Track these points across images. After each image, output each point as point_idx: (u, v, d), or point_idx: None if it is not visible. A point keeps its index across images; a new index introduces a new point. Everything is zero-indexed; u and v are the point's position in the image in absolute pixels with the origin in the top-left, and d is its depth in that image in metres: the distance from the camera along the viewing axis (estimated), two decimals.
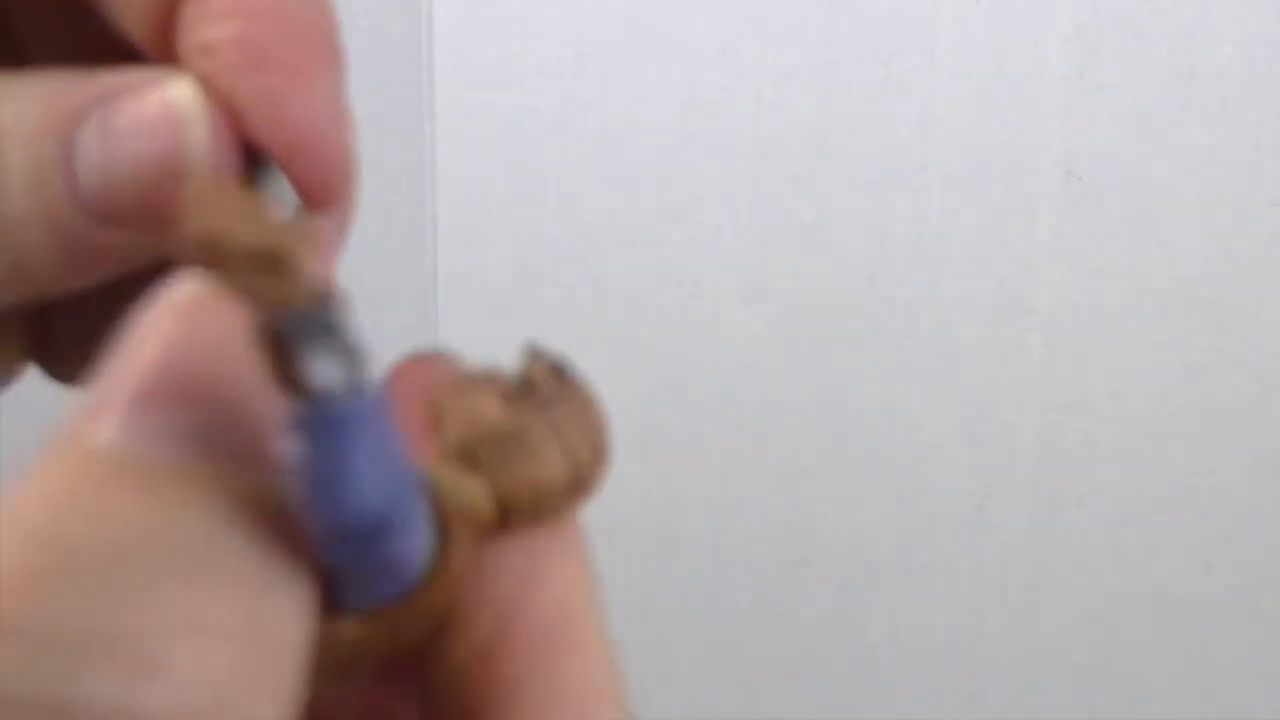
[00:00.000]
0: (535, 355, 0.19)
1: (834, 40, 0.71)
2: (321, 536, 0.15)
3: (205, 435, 0.16)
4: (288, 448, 0.15)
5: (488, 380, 0.19)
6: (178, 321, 0.16)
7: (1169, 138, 0.68)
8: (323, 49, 0.23)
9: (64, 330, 0.25)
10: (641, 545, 0.80)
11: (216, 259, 0.14)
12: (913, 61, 0.70)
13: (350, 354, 0.14)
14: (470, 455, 0.18)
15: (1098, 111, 0.69)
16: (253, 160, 0.22)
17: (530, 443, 0.18)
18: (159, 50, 0.23)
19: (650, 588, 0.81)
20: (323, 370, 0.14)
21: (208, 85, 0.22)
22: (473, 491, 0.18)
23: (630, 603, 0.81)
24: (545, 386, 0.19)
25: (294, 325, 0.14)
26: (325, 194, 0.22)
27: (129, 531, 0.15)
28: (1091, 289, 0.71)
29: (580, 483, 0.18)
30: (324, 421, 0.14)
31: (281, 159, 0.22)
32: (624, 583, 0.81)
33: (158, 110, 0.21)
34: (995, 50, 0.69)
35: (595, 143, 0.75)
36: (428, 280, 0.79)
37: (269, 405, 0.16)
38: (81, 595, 0.14)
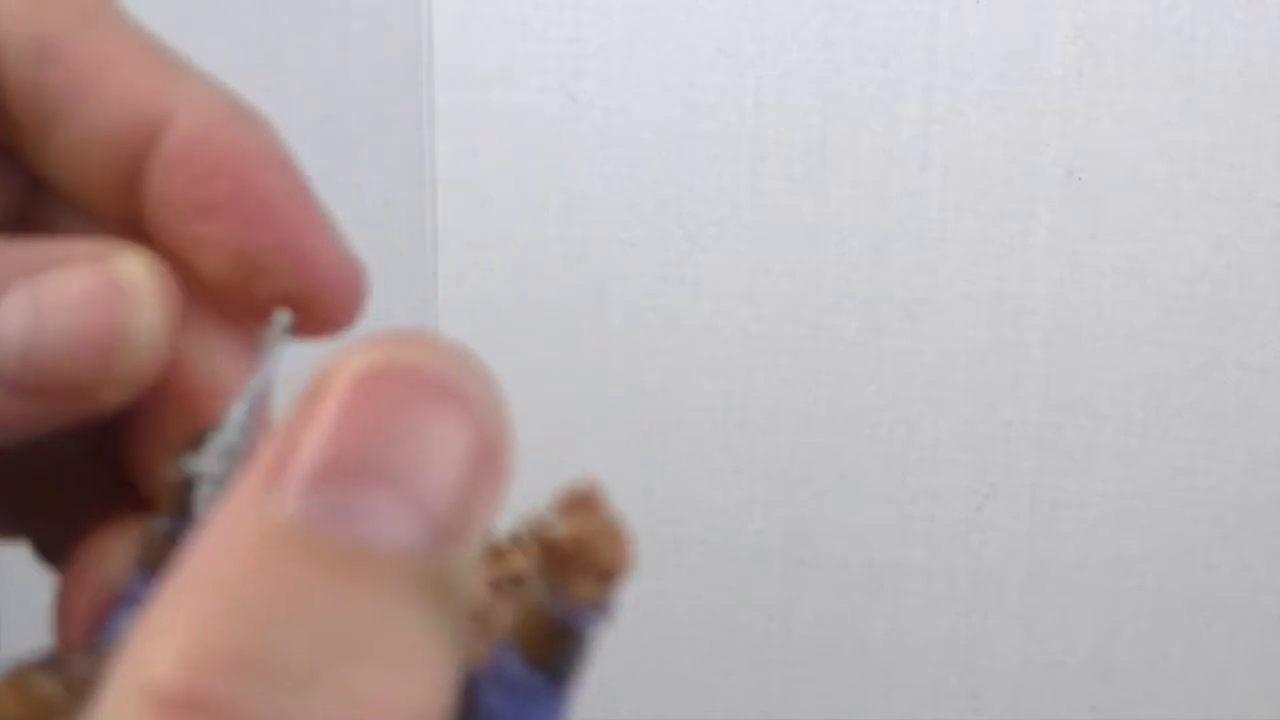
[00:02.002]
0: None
1: (834, 40, 0.71)
2: None
3: (382, 513, 0.15)
4: (498, 703, 0.16)
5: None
6: (358, 392, 0.16)
7: (1169, 138, 0.68)
8: (300, 179, 0.22)
9: None
10: (641, 545, 0.80)
11: (579, 556, 0.16)
12: (913, 61, 0.70)
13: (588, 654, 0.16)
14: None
15: (1098, 111, 0.69)
16: (228, 322, 0.22)
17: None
18: (118, 214, 0.22)
19: (650, 588, 0.81)
20: (589, 655, 0.16)
21: (212, 248, 0.21)
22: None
23: (630, 602, 0.81)
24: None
25: (597, 623, 0.16)
26: (352, 315, 0.22)
27: (330, 619, 0.15)
28: (1091, 289, 0.71)
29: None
30: (561, 693, 0.16)
31: (313, 298, 0.21)
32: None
33: (97, 284, 0.20)
34: (995, 50, 0.69)
35: (595, 143, 0.75)
36: (428, 280, 0.79)
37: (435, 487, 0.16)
38: (285, 684, 0.15)
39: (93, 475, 0.23)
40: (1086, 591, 0.75)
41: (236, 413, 0.20)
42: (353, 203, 0.80)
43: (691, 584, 0.80)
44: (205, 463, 0.20)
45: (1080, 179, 0.70)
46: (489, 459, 0.17)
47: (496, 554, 0.19)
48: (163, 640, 0.15)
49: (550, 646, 0.16)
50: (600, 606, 0.16)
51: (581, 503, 0.16)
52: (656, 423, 0.78)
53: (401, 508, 0.15)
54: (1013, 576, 0.76)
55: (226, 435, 0.20)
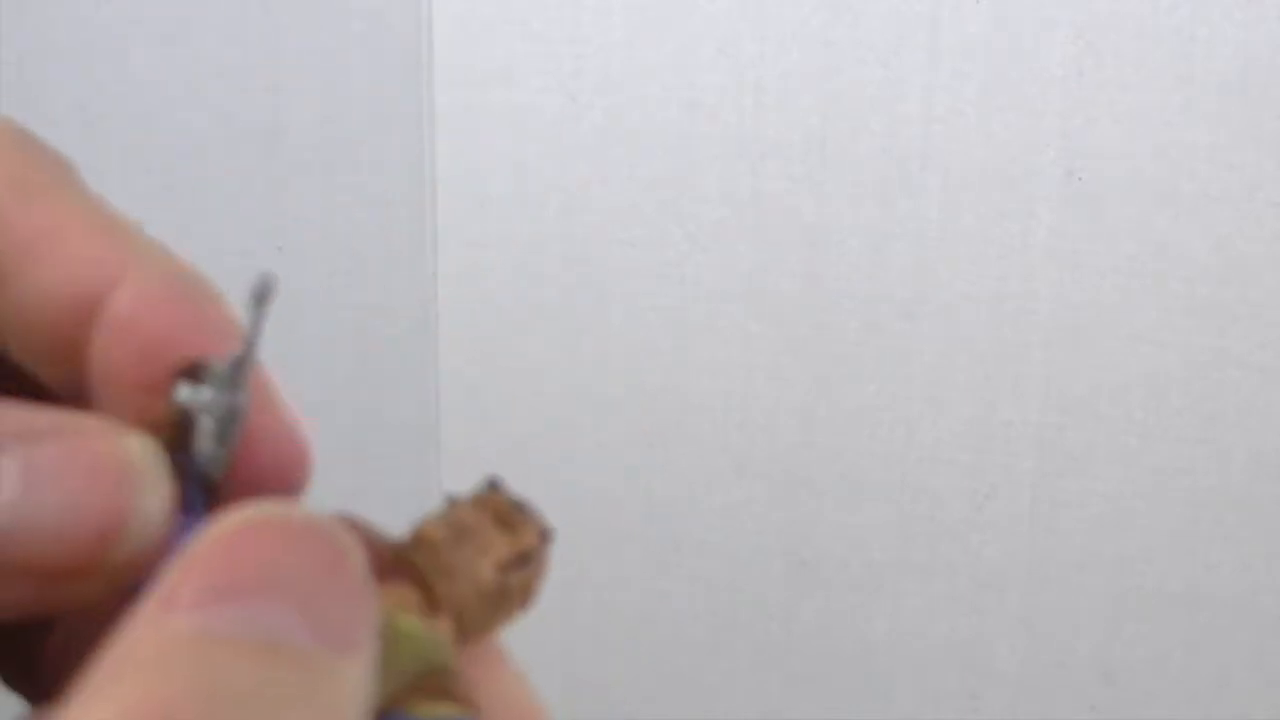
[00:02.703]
0: (494, 486, 0.21)
1: (834, 40, 0.71)
2: None
3: (280, 623, 0.17)
4: None
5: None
6: (235, 537, 0.18)
7: (1169, 138, 0.68)
8: (242, 350, 0.21)
9: None
10: (641, 545, 0.80)
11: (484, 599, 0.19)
12: (913, 61, 0.70)
13: None
14: (407, 563, 0.21)
15: (1098, 111, 0.69)
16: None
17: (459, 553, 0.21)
18: (64, 381, 0.21)
19: (650, 587, 0.81)
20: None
21: (154, 423, 0.20)
22: (440, 635, 0.20)
23: (631, 603, 0.81)
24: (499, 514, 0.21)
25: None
26: (296, 487, 0.22)
27: (258, 688, 0.16)
28: (1091, 289, 0.71)
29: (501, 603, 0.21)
30: None
31: (256, 470, 0.21)
32: (624, 582, 0.81)
33: (101, 459, 0.19)
34: (995, 50, 0.69)
35: (595, 143, 0.75)
36: (428, 280, 0.79)
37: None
38: None
39: None
40: (1086, 591, 0.75)
41: (229, 355, 0.20)
42: (353, 203, 0.80)
43: (691, 584, 0.80)
44: (203, 393, 0.20)
45: (1080, 179, 0.70)
46: (358, 580, 0.18)
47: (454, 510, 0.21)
48: (99, 711, 0.16)
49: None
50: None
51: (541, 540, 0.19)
52: (656, 423, 0.78)
53: (293, 616, 0.17)
54: (1013, 576, 0.76)
55: (220, 367, 0.20)
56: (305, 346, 0.82)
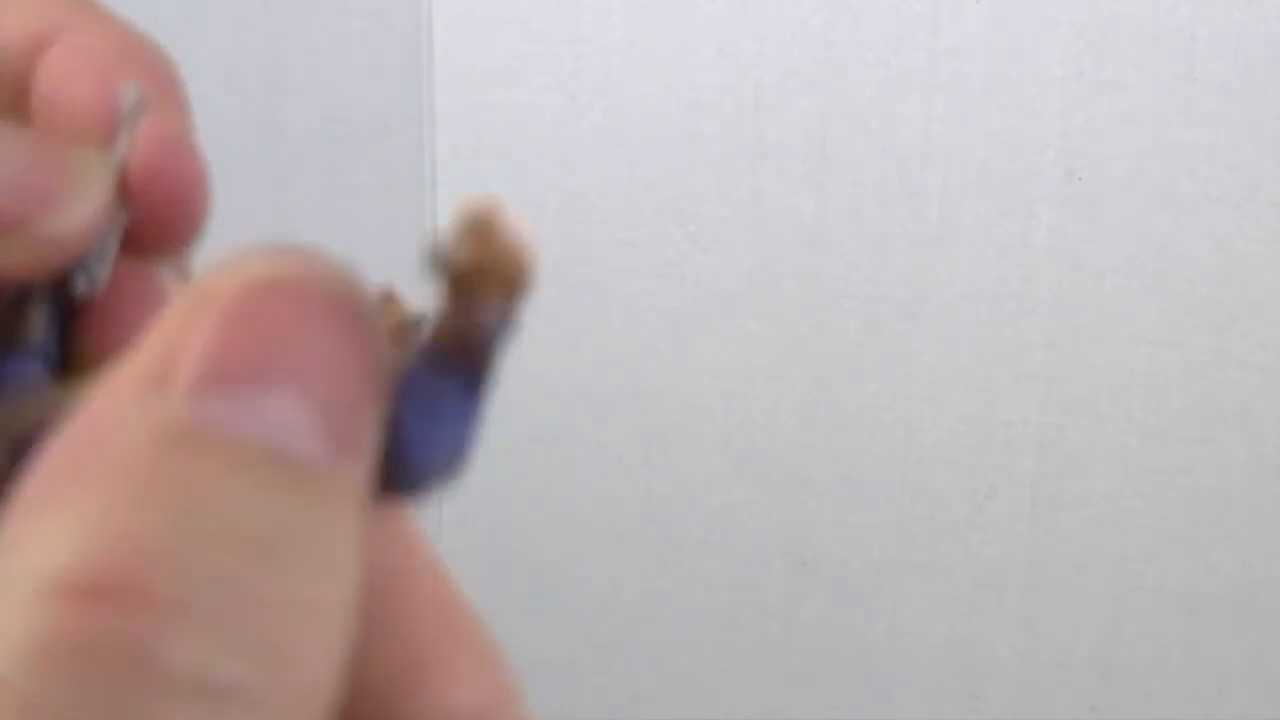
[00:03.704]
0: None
1: (834, 40, 0.71)
2: (385, 474, 0.17)
3: (289, 420, 0.15)
4: (408, 402, 0.16)
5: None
6: (247, 302, 0.15)
7: (1169, 138, 0.68)
8: (170, 82, 0.22)
9: None
10: (641, 545, 0.80)
11: (479, 273, 0.16)
12: (913, 61, 0.70)
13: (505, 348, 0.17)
14: None
15: (1098, 111, 0.69)
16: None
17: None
18: (10, 120, 0.22)
19: (650, 587, 0.81)
20: (498, 361, 0.17)
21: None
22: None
23: (631, 602, 0.81)
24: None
25: (501, 328, 0.17)
26: (178, 226, 0.22)
27: (250, 522, 0.14)
28: (1091, 289, 0.71)
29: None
30: (474, 397, 0.17)
31: (157, 196, 0.21)
32: (624, 582, 0.81)
33: (43, 135, 0.21)
34: (995, 50, 0.69)
35: (595, 143, 0.75)
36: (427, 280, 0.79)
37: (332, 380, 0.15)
38: (199, 579, 0.14)
39: None
40: (1086, 591, 0.75)
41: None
42: (353, 203, 0.80)
43: (691, 584, 0.80)
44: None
45: (1080, 179, 0.70)
46: (376, 376, 0.16)
47: (388, 300, 0.19)
48: (59, 528, 0.14)
49: (460, 350, 0.17)
50: (509, 313, 0.17)
51: (479, 228, 0.17)
52: (656, 423, 0.78)
53: (306, 414, 0.15)
54: (1013, 576, 0.76)
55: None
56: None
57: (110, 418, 0.15)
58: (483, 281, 0.17)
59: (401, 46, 0.77)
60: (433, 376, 0.17)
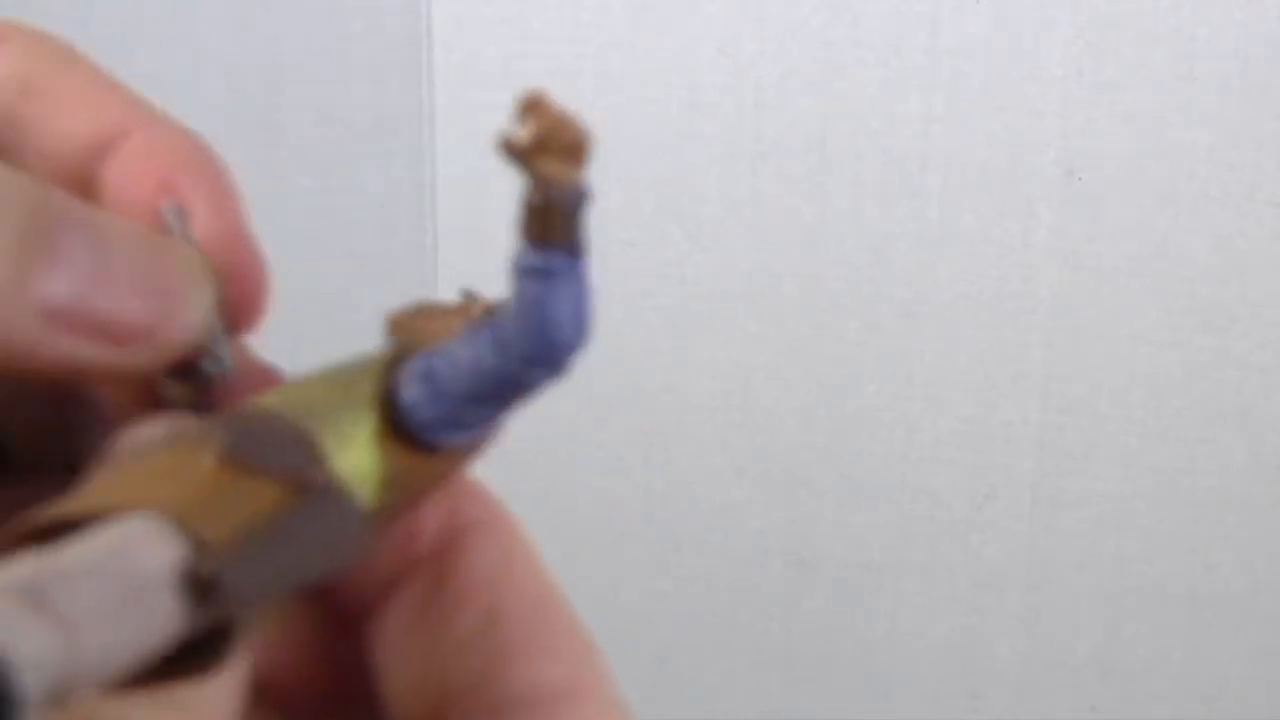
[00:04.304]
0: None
1: (834, 40, 0.71)
2: (514, 353, 0.20)
3: None
4: (520, 285, 0.19)
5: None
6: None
7: (1169, 138, 0.68)
8: (220, 186, 0.24)
9: None
10: (641, 545, 0.80)
11: (541, 146, 0.19)
12: (913, 61, 0.70)
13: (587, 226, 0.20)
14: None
15: (1098, 111, 0.69)
16: None
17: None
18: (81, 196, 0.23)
19: (650, 587, 0.81)
20: (585, 229, 0.19)
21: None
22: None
23: (631, 602, 0.81)
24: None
25: (576, 198, 0.19)
26: (247, 312, 0.24)
27: None
28: (1091, 289, 0.71)
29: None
30: (571, 270, 0.19)
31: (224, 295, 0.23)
32: (624, 582, 0.81)
33: (163, 245, 0.22)
34: (995, 50, 0.69)
35: (595, 143, 0.75)
36: (428, 280, 0.79)
37: None
38: None
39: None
40: (1086, 591, 0.75)
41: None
42: (353, 203, 0.80)
43: (691, 584, 0.80)
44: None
45: (1080, 179, 0.70)
46: None
47: (468, 297, 0.22)
48: None
49: (550, 229, 0.19)
50: (577, 182, 0.19)
51: (532, 105, 0.19)
52: (656, 423, 0.78)
53: None
54: (1013, 576, 0.76)
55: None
56: (305, 347, 0.82)
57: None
58: (549, 151, 0.19)
59: (401, 46, 0.77)
60: (540, 263, 0.19)
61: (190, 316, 0.22)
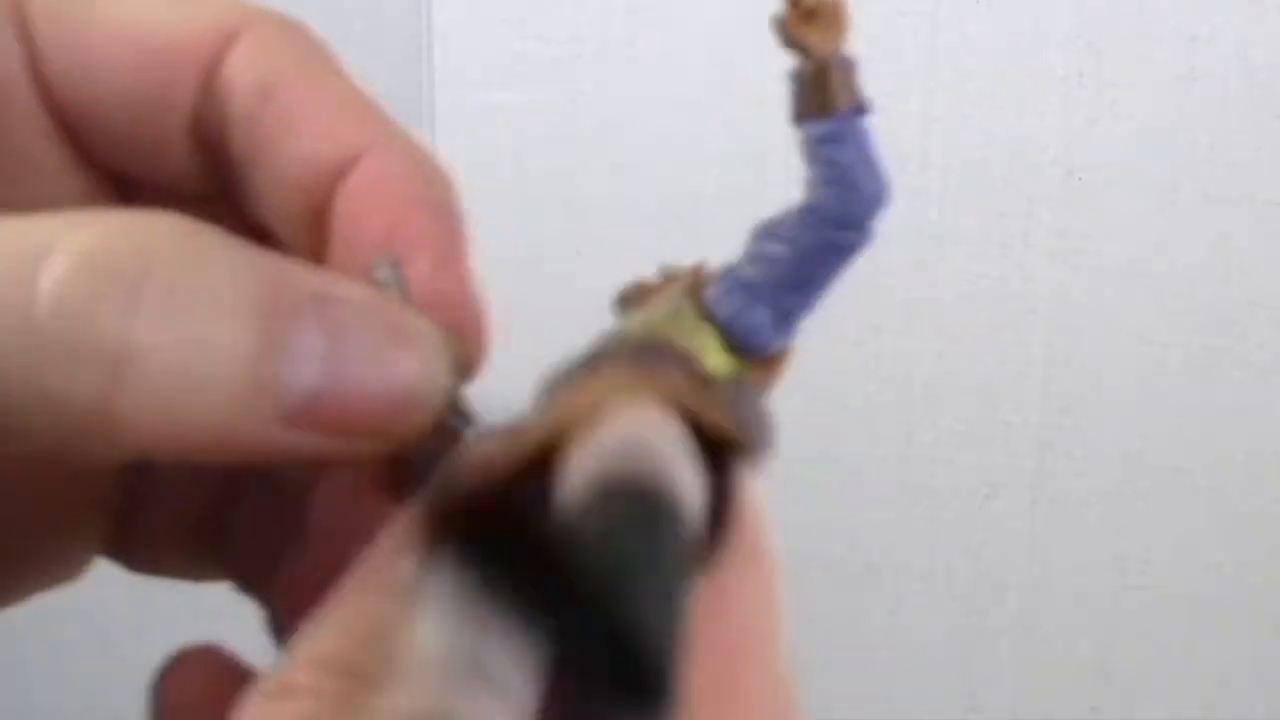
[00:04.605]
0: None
1: None
2: (829, 220, 0.22)
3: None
4: (820, 155, 0.21)
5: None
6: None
7: (1169, 138, 0.68)
8: (454, 226, 0.25)
9: (164, 518, 0.26)
10: None
11: (804, 18, 0.21)
12: (913, 61, 0.70)
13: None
14: None
15: (1098, 111, 0.69)
16: None
17: None
18: (307, 242, 0.24)
19: None
20: (861, 90, 0.21)
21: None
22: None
23: None
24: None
25: (846, 62, 0.21)
26: (471, 361, 0.24)
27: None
28: (1091, 289, 0.71)
29: None
30: (861, 127, 0.21)
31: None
32: None
33: (396, 323, 0.21)
34: (995, 50, 0.69)
35: (595, 142, 0.75)
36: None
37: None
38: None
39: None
40: (1086, 591, 0.75)
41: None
42: None
43: None
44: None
45: (1080, 179, 0.70)
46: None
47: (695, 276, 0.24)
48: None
49: (834, 95, 0.21)
50: (842, 48, 0.21)
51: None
52: None
53: None
54: (1013, 576, 0.76)
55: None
56: None
57: (361, 570, 0.20)
58: (815, 25, 0.21)
59: (401, 46, 0.76)
60: (831, 130, 0.21)
61: (427, 403, 0.21)
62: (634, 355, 0.21)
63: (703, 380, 0.20)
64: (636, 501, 0.16)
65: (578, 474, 0.16)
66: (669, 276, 0.25)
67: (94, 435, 0.18)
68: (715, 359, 0.22)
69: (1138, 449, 0.73)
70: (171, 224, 0.19)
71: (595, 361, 0.21)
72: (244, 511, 0.26)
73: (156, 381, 0.18)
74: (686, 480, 0.17)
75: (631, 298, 0.26)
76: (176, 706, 0.23)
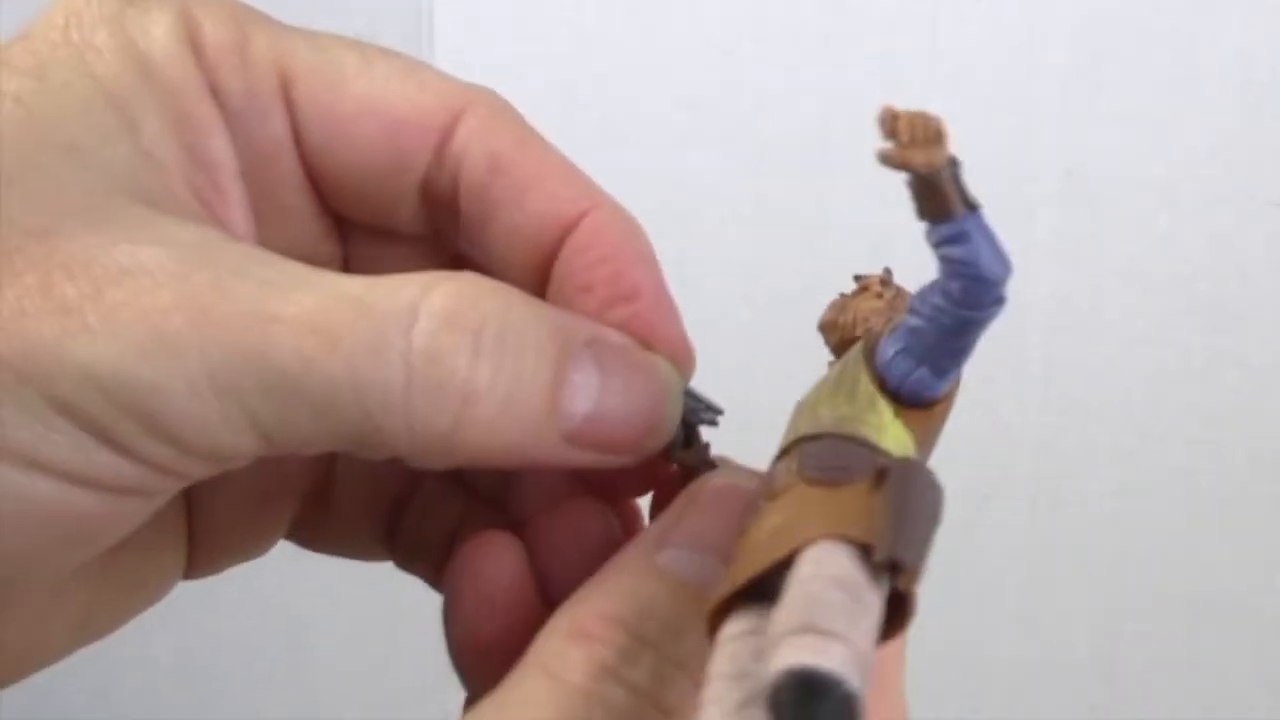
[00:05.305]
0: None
1: (834, 40, 0.71)
2: (963, 305, 0.25)
3: (716, 570, 0.24)
4: (944, 254, 0.23)
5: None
6: (717, 496, 0.27)
7: (1169, 138, 0.68)
8: (658, 276, 0.30)
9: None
10: None
11: (906, 145, 0.23)
12: (913, 61, 0.70)
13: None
14: None
15: (1098, 111, 0.69)
16: None
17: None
18: (530, 284, 0.28)
19: None
20: (970, 191, 0.23)
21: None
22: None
23: None
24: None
25: (954, 168, 0.23)
26: (687, 380, 0.30)
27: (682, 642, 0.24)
28: (1091, 289, 0.71)
29: None
30: (979, 223, 0.23)
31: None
32: None
33: (649, 367, 0.27)
34: (995, 50, 0.69)
35: (595, 142, 0.75)
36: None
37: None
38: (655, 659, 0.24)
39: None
40: (1086, 591, 0.75)
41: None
42: None
43: None
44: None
45: (1080, 179, 0.70)
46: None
47: (885, 282, 0.30)
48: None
49: (948, 200, 0.23)
50: (946, 158, 0.23)
51: (889, 118, 0.23)
52: None
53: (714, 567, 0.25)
54: (1013, 576, 0.76)
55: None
56: None
57: (626, 556, 0.25)
58: (918, 146, 0.23)
59: (401, 46, 0.76)
60: (952, 231, 0.23)
61: (670, 424, 0.28)
62: (822, 464, 0.24)
63: (878, 474, 0.24)
64: (816, 694, 0.19)
65: (770, 645, 0.20)
66: (862, 286, 0.30)
67: (437, 454, 0.24)
68: (893, 436, 0.26)
69: (1138, 449, 0.73)
70: (487, 283, 0.24)
71: (793, 448, 0.26)
72: (418, 501, 0.31)
73: (490, 411, 0.24)
74: (861, 648, 0.20)
75: (830, 321, 0.31)
76: (483, 592, 0.28)
